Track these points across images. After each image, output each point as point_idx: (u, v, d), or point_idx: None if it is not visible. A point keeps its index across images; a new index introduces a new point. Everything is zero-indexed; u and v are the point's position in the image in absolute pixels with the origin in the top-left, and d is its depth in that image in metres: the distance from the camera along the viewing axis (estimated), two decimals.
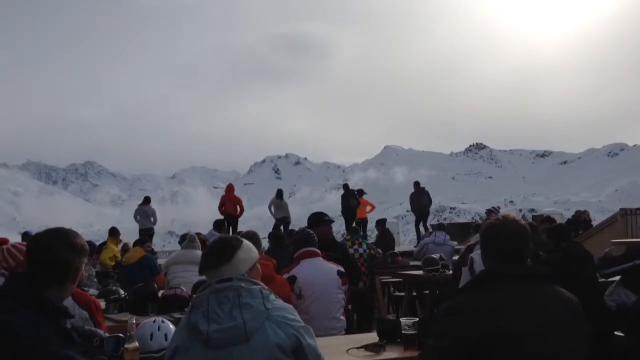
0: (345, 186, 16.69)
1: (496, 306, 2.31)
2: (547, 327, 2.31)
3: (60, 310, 2.14)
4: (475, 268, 5.14)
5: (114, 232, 11.93)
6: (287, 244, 7.86)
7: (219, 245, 2.51)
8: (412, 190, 16.67)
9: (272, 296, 2.34)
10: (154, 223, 14.90)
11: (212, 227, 12.25)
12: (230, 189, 15.40)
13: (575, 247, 5.64)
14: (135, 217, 14.81)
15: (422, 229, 16.33)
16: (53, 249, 2.20)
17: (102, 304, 5.08)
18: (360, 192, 16.65)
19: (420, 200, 16.31)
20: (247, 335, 2.20)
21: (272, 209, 15.52)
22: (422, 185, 16.77)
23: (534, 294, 2.37)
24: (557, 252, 5.19)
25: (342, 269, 4.73)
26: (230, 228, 14.51)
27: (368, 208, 16.68)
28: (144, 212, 14.76)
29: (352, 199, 15.71)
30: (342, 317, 4.69)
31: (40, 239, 2.25)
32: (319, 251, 4.76)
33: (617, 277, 5.01)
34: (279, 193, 15.91)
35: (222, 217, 13.89)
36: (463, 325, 2.30)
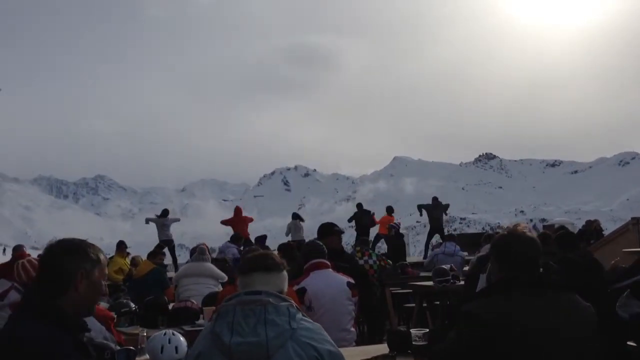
0: (359, 205, 16.68)
1: (513, 313, 2.37)
2: (562, 335, 2.37)
3: (75, 322, 2.15)
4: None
5: (120, 246, 12.00)
6: (297, 256, 7.86)
7: (270, 258, 2.54)
8: (422, 201, 16.68)
9: (300, 315, 2.32)
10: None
11: (228, 240, 12.29)
12: (238, 211, 15.29)
13: (584, 256, 5.60)
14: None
15: (434, 241, 16.24)
16: (52, 257, 2.23)
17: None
18: (389, 210, 16.52)
19: (432, 214, 16.27)
20: (268, 353, 2.18)
21: (291, 231, 15.46)
22: (439, 200, 16.71)
23: (550, 302, 2.43)
24: (564, 261, 5.15)
25: (352, 281, 4.72)
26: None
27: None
28: (163, 225, 14.83)
29: (364, 218, 15.72)
30: (353, 329, 4.68)
31: (45, 249, 2.29)
32: (328, 263, 4.75)
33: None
34: (297, 215, 15.97)
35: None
36: (480, 330, 2.35)
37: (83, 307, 2.25)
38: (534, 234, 2.61)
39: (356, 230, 15.70)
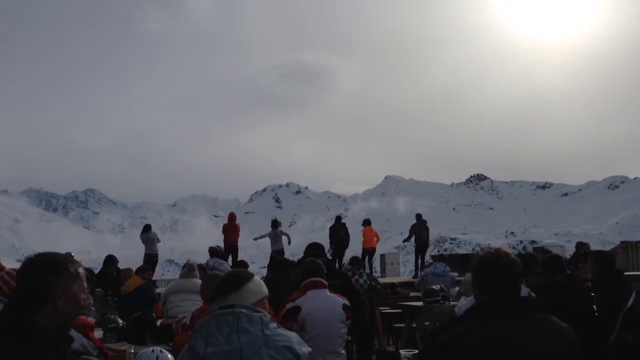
0: (338, 218, 16.68)
1: (491, 338, 2.32)
2: (542, 358, 2.33)
3: (52, 338, 2.09)
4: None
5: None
6: (290, 273, 7.91)
7: (231, 275, 2.60)
8: (413, 221, 16.64)
9: (274, 324, 2.36)
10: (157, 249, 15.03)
11: (209, 255, 12.26)
12: (232, 218, 15.32)
13: (572, 280, 5.59)
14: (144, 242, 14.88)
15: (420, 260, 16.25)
16: (27, 272, 2.17)
17: (100, 332, 5.05)
18: (367, 222, 16.53)
19: (420, 232, 16.27)
20: None
21: (270, 240, 15.14)
22: (423, 218, 16.72)
23: (529, 326, 2.38)
24: (552, 285, 5.15)
25: (347, 302, 4.67)
26: (231, 256, 14.43)
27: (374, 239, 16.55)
28: (148, 239, 14.83)
29: (340, 231, 15.64)
30: (343, 351, 4.63)
31: (23, 263, 2.25)
32: (326, 282, 4.69)
33: None
34: (275, 223, 15.35)
35: (215, 245, 13.82)
36: (458, 358, 2.31)
37: (62, 323, 2.19)
38: (515, 257, 2.55)
39: (331, 244, 15.51)
